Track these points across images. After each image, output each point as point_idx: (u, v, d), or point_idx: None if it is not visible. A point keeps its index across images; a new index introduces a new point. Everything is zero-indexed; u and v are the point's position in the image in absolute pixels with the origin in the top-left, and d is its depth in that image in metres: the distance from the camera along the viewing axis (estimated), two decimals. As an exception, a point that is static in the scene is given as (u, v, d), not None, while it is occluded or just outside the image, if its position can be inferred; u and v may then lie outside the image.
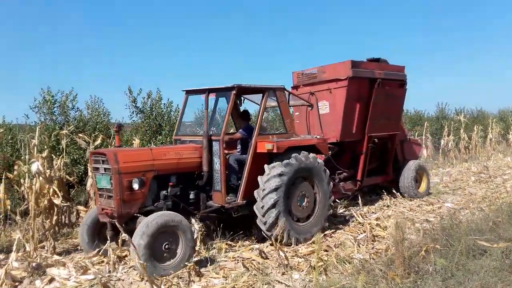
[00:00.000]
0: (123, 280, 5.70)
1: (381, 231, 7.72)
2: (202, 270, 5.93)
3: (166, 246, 5.76)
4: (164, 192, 6.44)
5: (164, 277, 5.54)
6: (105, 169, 6.04)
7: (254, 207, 6.86)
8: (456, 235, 6.01)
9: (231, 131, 8.99)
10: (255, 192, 6.86)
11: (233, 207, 6.89)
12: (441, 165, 17.43)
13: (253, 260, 6.23)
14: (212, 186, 6.88)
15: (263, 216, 6.80)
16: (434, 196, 11.11)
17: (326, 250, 6.60)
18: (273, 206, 6.74)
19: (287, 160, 6.95)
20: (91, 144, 8.90)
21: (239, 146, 7.70)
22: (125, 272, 5.93)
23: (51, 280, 5.69)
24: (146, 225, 5.58)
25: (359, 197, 9.58)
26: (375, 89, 9.48)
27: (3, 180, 7.77)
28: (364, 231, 7.45)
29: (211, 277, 5.74)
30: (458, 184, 13.02)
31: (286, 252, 6.26)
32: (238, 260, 6.32)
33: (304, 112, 9.68)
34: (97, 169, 6.22)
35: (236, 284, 5.40)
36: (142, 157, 6.21)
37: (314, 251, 6.28)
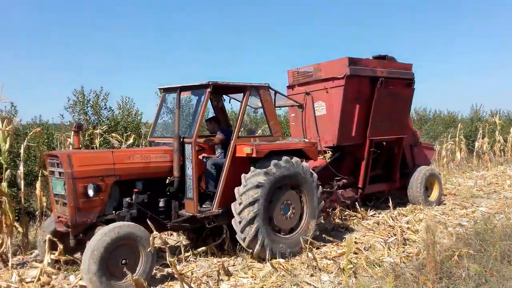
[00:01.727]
0: (153, 277, 5.65)
1: (412, 234, 7.57)
2: (231, 269, 5.95)
3: (123, 261, 5.17)
4: (127, 199, 5.85)
5: (194, 275, 5.57)
6: (59, 173, 5.50)
7: (232, 221, 6.22)
8: (491, 240, 5.97)
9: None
10: (232, 205, 6.21)
11: (207, 216, 6.25)
12: (475, 168, 16.93)
13: (281, 260, 6.17)
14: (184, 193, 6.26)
15: (241, 232, 6.15)
16: (467, 200, 10.71)
17: (355, 253, 6.47)
18: (252, 221, 6.08)
19: (266, 169, 6.27)
20: (123, 143, 9.16)
21: (218, 150, 7.05)
22: (155, 269, 5.75)
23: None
24: (99, 236, 5.02)
25: (390, 200, 9.26)
26: (377, 89, 8.72)
27: (39, 177, 7.67)
28: (395, 234, 7.32)
29: (240, 277, 5.73)
30: (493, 187, 12.58)
31: (315, 253, 6.17)
32: (266, 260, 6.19)
33: (300, 114, 8.99)
34: (52, 172, 5.68)
35: (265, 284, 5.39)
36: (100, 161, 5.63)
37: (344, 253, 6.18)
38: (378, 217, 8.94)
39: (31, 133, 8.50)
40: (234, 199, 6.23)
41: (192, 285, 5.25)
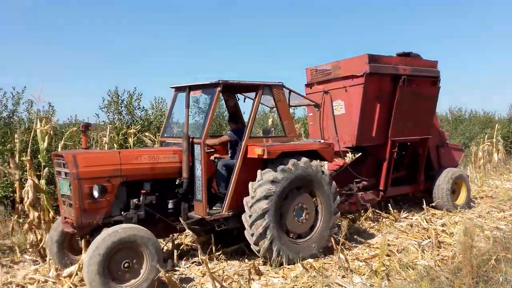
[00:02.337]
0: (185, 274, 5.87)
1: (447, 237, 7.41)
2: (262, 268, 5.96)
3: (126, 265, 5.04)
4: (135, 200, 5.72)
5: (225, 274, 5.60)
6: (65, 173, 5.41)
7: (242, 216, 6.02)
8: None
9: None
10: (244, 199, 6.02)
11: (217, 219, 6.06)
12: (514, 170, 16.32)
13: (312, 261, 6.11)
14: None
15: (250, 227, 5.93)
16: (505, 203, 10.34)
17: (388, 255, 6.33)
18: (262, 216, 5.87)
19: (283, 166, 6.05)
20: (156, 143, 9.21)
21: (230, 151, 6.86)
22: (187, 267, 6.10)
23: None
24: (101, 238, 4.91)
25: (424, 202, 8.94)
26: (400, 87, 8.35)
27: None
28: (429, 237, 7.18)
29: (271, 276, 5.72)
30: (532, 190, 12.03)
31: (347, 255, 6.13)
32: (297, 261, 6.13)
33: (318, 113, 8.70)
34: (59, 173, 5.60)
35: (296, 285, 5.35)
36: (106, 161, 5.51)
37: (376, 256, 6.14)
38: (412, 219, 8.73)
39: (68, 132, 9.11)
40: (246, 202, 6.03)
41: (224, 283, 5.22)
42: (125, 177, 5.60)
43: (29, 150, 7.46)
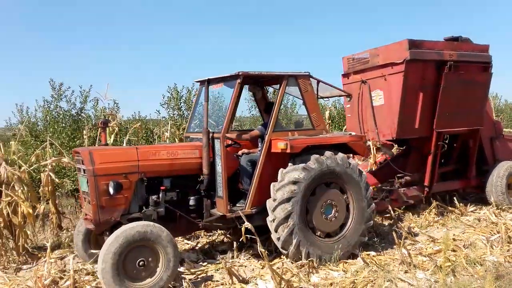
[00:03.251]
0: (245, 266, 5.92)
1: None
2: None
3: (141, 263, 4.92)
4: (154, 197, 5.58)
5: (284, 267, 5.54)
6: (83, 170, 5.36)
7: (267, 219, 5.75)
8: None
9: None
10: (267, 202, 5.75)
11: (238, 216, 5.81)
12: None
13: (374, 256, 6.03)
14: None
15: (275, 231, 5.67)
16: None
17: (454, 250, 6.09)
18: (286, 219, 5.57)
19: (304, 164, 5.70)
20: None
21: (259, 146, 6.57)
22: (247, 259, 6.14)
23: (182, 262, 5.87)
24: (115, 236, 4.82)
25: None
26: (445, 74, 7.68)
27: None
28: (498, 232, 6.86)
29: (330, 269, 5.64)
30: None
31: (410, 249, 5.98)
32: (356, 255, 6.06)
33: (356, 105, 8.22)
34: (79, 169, 5.58)
35: (356, 279, 5.24)
36: (124, 157, 5.40)
37: (441, 251, 5.99)
38: (479, 213, 8.33)
39: (132, 128, 9.19)
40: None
41: (283, 276, 5.13)
42: (143, 173, 5.48)
43: (96, 145, 7.62)
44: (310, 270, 5.47)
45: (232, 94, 5.80)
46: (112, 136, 7.84)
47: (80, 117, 11.98)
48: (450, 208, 8.35)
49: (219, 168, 5.73)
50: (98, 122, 5.93)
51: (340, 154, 5.96)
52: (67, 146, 10.13)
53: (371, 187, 6.34)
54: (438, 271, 5.34)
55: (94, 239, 6.09)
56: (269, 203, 5.71)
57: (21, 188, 6.67)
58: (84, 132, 9.22)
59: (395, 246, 6.17)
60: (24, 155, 8.86)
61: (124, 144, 7.66)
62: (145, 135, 11.87)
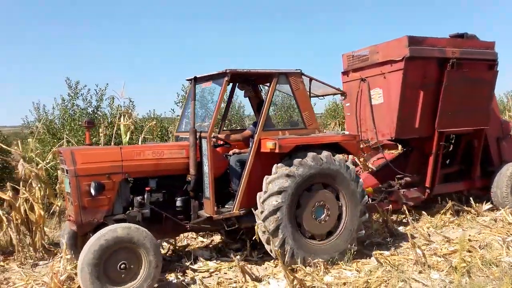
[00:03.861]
0: (258, 265, 5.94)
1: None
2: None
3: (122, 266, 4.80)
4: (139, 198, 5.46)
5: (298, 266, 5.47)
6: (66, 170, 5.26)
7: (255, 212, 5.60)
8: None
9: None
10: (258, 194, 5.61)
11: (225, 218, 5.67)
12: None
13: (387, 256, 5.96)
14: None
15: (267, 243, 5.55)
16: None
17: (469, 251, 6.01)
18: (274, 212, 5.41)
19: (300, 159, 5.53)
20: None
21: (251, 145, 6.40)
22: (260, 258, 6.15)
23: (195, 259, 6.04)
24: (95, 238, 4.73)
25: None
26: (447, 72, 7.41)
27: None
28: None
29: (344, 269, 5.63)
30: None
31: (424, 250, 5.91)
32: (370, 255, 6.05)
33: (355, 103, 7.99)
34: (63, 170, 5.48)
35: (370, 279, 5.21)
36: (106, 157, 5.28)
37: (456, 251, 5.93)
38: (496, 213, 8.12)
39: (147, 126, 9.51)
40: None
41: (296, 275, 5.10)
42: (127, 173, 5.35)
43: (112, 143, 7.83)
44: (324, 270, 5.46)
45: (219, 92, 5.64)
46: (128, 134, 7.88)
47: (96, 115, 12.16)
48: (466, 208, 8.21)
49: (206, 168, 5.58)
50: (83, 121, 5.80)
51: (326, 153, 5.76)
52: (83, 144, 10.05)
53: (361, 179, 6.12)
54: (453, 271, 5.30)
55: (81, 242, 5.97)
56: (260, 195, 5.58)
57: (38, 185, 6.81)
58: (100, 130, 9.29)
59: (409, 246, 6.09)
60: (42, 152, 9.12)
61: (140, 142, 7.65)
62: (160, 133, 11.92)
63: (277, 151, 5.47)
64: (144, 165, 5.45)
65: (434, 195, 8.10)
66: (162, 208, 5.56)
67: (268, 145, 5.54)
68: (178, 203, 5.70)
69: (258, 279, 5.34)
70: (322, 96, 7.01)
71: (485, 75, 8.00)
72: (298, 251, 5.51)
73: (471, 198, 8.19)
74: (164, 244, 6.70)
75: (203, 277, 5.48)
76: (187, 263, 5.89)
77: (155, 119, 12.88)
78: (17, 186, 6.86)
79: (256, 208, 5.59)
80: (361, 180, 6.10)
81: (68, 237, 5.81)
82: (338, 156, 5.95)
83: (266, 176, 5.62)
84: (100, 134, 9.13)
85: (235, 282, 5.36)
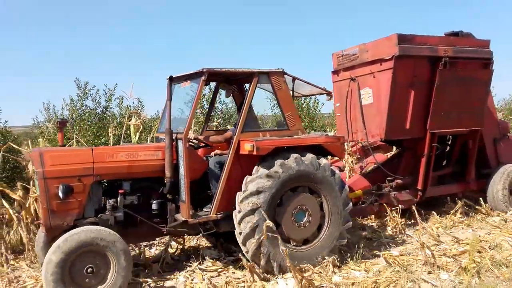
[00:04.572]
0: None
1: None
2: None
3: (89, 270, 4.67)
4: (111, 201, 5.30)
5: (306, 265, 5.44)
6: (37, 172, 5.11)
7: (233, 212, 5.44)
8: None
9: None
10: (237, 193, 5.45)
11: (202, 222, 5.50)
12: None
13: (396, 256, 5.92)
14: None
15: (239, 224, 5.35)
16: None
17: (479, 252, 5.97)
18: (252, 212, 5.24)
19: (269, 171, 5.35)
20: None
21: None
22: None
23: (204, 259, 6.10)
24: (60, 241, 4.60)
25: None
26: (439, 71, 7.18)
27: None
28: None
29: (352, 269, 5.62)
30: None
31: (433, 250, 5.87)
32: (378, 255, 6.08)
33: (345, 103, 7.78)
34: (34, 172, 5.34)
35: (378, 279, 5.17)
36: (77, 159, 5.11)
37: (466, 252, 5.94)
38: (506, 214, 8.02)
39: (156, 126, 9.25)
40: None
41: (304, 274, 5.09)
42: (99, 176, 5.18)
43: (121, 143, 7.78)
44: (333, 270, 5.44)
45: (195, 92, 5.46)
46: (137, 134, 7.87)
47: (105, 115, 12.36)
48: (477, 207, 8.19)
49: (182, 170, 5.42)
50: (56, 122, 5.63)
51: (309, 155, 5.58)
52: (93, 144, 10.41)
53: (346, 186, 5.94)
54: (462, 272, 5.26)
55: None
56: (238, 195, 5.42)
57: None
58: (109, 130, 9.28)
59: (418, 247, 6.05)
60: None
61: (148, 142, 7.62)
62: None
63: (254, 153, 5.29)
64: (117, 167, 5.28)
65: (427, 198, 7.86)
66: (137, 211, 5.40)
67: (246, 147, 5.37)
68: (154, 206, 5.53)
69: (266, 279, 5.30)
70: (308, 96, 6.81)
71: (479, 74, 7.75)
72: (276, 255, 5.32)
73: (481, 199, 8.14)
74: (173, 243, 6.72)
75: (211, 277, 5.49)
76: (195, 263, 5.90)
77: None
78: (27, 186, 6.95)
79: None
80: (346, 186, 5.92)
81: (41, 243, 5.61)
82: (323, 160, 5.76)
83: (246, 176, 5.46)
84: (109, 134, 9.13)
85: (243, 281, 5.34)
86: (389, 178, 7.67)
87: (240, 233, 5.32)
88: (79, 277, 4.64)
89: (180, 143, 5.41)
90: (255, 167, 5.48)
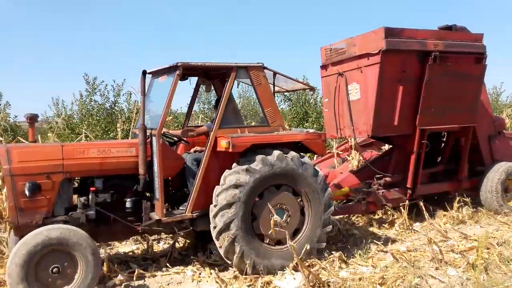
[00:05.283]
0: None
1: None
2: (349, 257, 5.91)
3: (55, 270, 4.53)
4: (83, 199, 5.16)
5: (313, 260, 5.42)
6: (3, 169, 4.96)
7: (210, 207, 5.29)
8: None
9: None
10: (215, 188, 5.29)
11: (176, 221, 5.35)
12: None
13: (404, 252, 5.95)
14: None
15: (217, 239, 5.21)
16: None
17: (487, 248, 5.93)
18: (228, 206, 5.09)
19: (248, 166, 5.18)
20: None
21: None
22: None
23: (211, 253, 6.05)
24: (24, 240, 4.46)
25: None
26: (429, 66, 6.97)
27: None
28: None
29: (359, 265, 5.61)
30: None
31: (441, 246, 5.88)
32: (386, 251, 6.06)
33: (333, 99, 7.59)
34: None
35: (385, 274, 5.12)
36: (46, 156, 4.95)
37: (473, 248, 5.91)
38: (499, 215, 7.97)
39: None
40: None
41: (311, 270, 5.08)
42: (69, 173, 5.03)
43: (130, 138, 7.68)
44: (339, 265, 5.47)
45: (170, 87, 5.29)
46: None
47: (113, 110, 12.52)
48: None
49: (155, 168, 5.26)
50: (25, 116, 5.46)
51: (292, 153, 5.42)
52: (102, 138, 10.54)
53: (329, 188, 5.76)
54: (470, 268, 5.24)
55: None
56: (211, 209, 5.25)
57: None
58: (118, 125, 9.40)
59: (425, 242, 6.05)
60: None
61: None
62: (176, 128, 12.05)
63: (230, 150, 5.13)
64: (88, 164, 5.11)
65: (416, 196, 7.66)
66: (110, 209, 5.24)
67: (222, 144, 5.21)
68: (128, 204, 5.37)
69: (273, 273, 5.25)
70: (291, 91, 6.63)
71: (472, 69, 7.52)
72: (250, 252, 5.17)
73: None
74: (181, 238, 6.65)
75: (219, 271, 5.47)
76: (203, 257, 5.89)
77: (171, 114, 13.07)
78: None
79: None
80: (329, 189, 5.74)
81: (16, 237, 5.54)
82: (306, 159, 5.60)
83: (226, 170, 5.30)
84: (118, 129, 9.20)
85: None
86: (377, 176, 7.48)
87: (215, 227, 5.17)
88: (44, 277, 4.50)
89: (154, 140, 5.26)
90: (235, 163, 5.32)
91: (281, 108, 14.47)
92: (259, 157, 5.22)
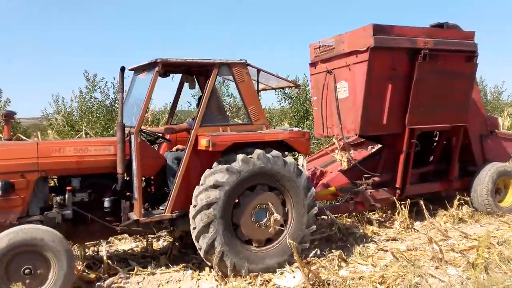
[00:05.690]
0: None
1: None
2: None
3: (27, 271, 4.41)
4: (59, 198, 5.03)
5: (313, 260, 5.41)
6: None
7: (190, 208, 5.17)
8: None
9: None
10: (196, 188, 5.16)
11: (154, 221, 5.23)
12: None
13: (404, 251, 5.96)
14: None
15: (197, 240, 5.09)
16: None
17: (488, 247, 5.87)
18: (208, 206, 4.96)
19: (228, 165, 5.06)
20: None
21: None
22: None
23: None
24: None
25: None
26: (418, 64, 6.84)
27: None
28: None
29: (359, 264, 5.62)
30: None
31: (441, 245, 5.87)
32: (386, 250, 6.06)
33: (321, 97, 7.47)
34: None
35: (385, 273, 5.11)
36: (20, 154, 4.82)
37: (474, 247, 5.87)
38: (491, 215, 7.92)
39: (164, 119, 9.40)
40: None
41: (312, 268, 5.09)
42: (44, 171, 4.90)
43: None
44: (339, 264, 5.48)
45: (148, 84, 5.16)
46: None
47: (113, 107, 12.45)
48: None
49: (134, 166, 5.14)
50: (1, 114, 5.32)
51: (274, 152, 5.29)
52: (101, 136, 10.47)
53: (313, 188, 5.64)
54: (470, 267, 5.24)
55: None
56: (191, 210, 5.13)
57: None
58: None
59: (426, 241, 6.03)
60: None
61: None
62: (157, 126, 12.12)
63: (210, 149, 5.00)
64: (64, 163, 4.98)
65: (405, 196, 7.54)
66: (87, 209, 5.12)
67: (202, 143, 5.09)
68: (106, 204, 5.24)
69: (273, 271, 5.22)
70: (277, 88, 6.51)
71: (462, 67, 7.39)
72: (229, 254, 5.05)
73: None
74: (180, 236, 6.49)
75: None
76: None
77: (152, 111, 13.14)
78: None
79: None
80: (312, 189, 5.61)
81: None
82: (290, 158, 5.47)
83: (206, 170, 5.17)
84: None
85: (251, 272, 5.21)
86: (365, 175, 7.36)
87: (194, 228, 5.05)
88: (15, 278, 4.38)
89: (132, 138, 5.13)
90: (216, 162, 5.20)
91: (282, 106, 14.27)
92: (240, 157, 5.10)
